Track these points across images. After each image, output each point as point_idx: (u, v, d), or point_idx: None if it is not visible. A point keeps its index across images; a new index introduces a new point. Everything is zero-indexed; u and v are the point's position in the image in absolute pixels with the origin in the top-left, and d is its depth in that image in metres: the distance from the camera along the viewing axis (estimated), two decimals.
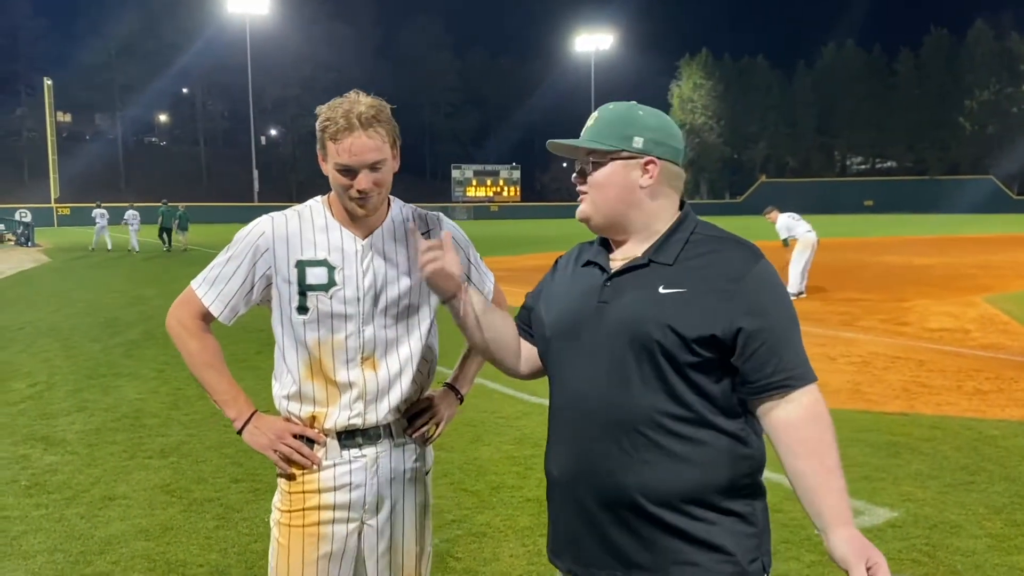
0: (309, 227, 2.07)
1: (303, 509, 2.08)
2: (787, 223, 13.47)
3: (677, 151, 1.79)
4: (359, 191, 1.98)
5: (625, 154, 1.75)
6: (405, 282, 2.11)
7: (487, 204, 76.35)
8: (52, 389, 7.38)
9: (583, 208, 1.81)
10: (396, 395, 2.10)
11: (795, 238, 13.44)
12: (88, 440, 5.77)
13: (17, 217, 39.05)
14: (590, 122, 1.81)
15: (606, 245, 1.85)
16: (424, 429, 2.20)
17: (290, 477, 2.09)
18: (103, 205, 31.80)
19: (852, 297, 13.54)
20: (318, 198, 2.15)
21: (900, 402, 6.62)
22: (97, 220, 30.23)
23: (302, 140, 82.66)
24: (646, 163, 1.75)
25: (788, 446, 1.63)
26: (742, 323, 1.61)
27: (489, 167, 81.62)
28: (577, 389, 1.75)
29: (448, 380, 2.35)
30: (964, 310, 11.89)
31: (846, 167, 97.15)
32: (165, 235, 28.55)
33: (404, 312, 2.12)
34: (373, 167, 1.98)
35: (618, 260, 1.78)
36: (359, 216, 2.05)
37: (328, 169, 2.01)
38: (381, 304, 2.08)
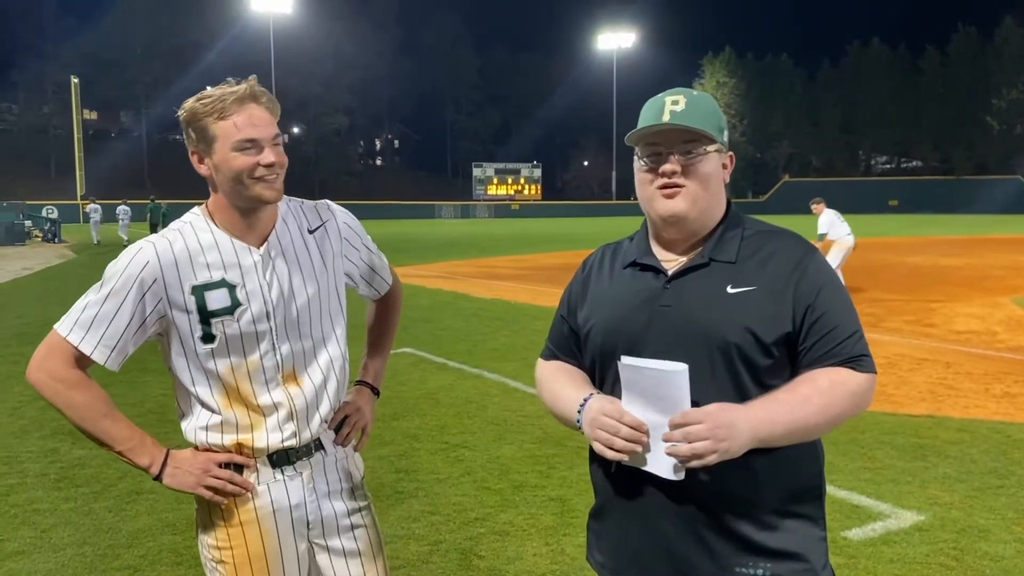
0: (196, 246, 1.85)
1: (245, 542, 1.90)
2: (831, 219, 12.94)
3: None
4: (267, 165, 1.79)
5: (718, 145, 1.65)
6: (313, 286, 1.93)
7: (508, 202, 76.40)
8: None
9: (679, 204, 1.61)
10: (325, 407, 1.96)
11: (833, 239, 12.95)
12: None
13: (44, 214, 39.62)
14: (676, 107, 1.61)
15: (643, 244, 1.73)
16: (351, 435, 2.06)
17: (226, 513, 1.91)
18: (97, 201, 32.47)
19: (877, 298, 13.39)
20: (195, 210, 1.92)
21: (927, 404, 6.54)
22: (91, 215, 30.78)
23: (324, 138, 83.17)
24: (730, 157, 1.71)
25: (797, 378, 1.58)
26: (808, 308, 1.58)
27: (510, 165, 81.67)
28: None
29: (360, 377, 2.21)
30: (991, 311, 11.73)
31: (870, 166, 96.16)
32: (154, 230, 29.26)
33: (318, 318, 1.94)
34: (274, 141, 1.82)
35: (669, 260, 1.68)
36: (269, 200, 1.83)
37: (218, 160, 1.81)
38: (293, 314, 1.89)
